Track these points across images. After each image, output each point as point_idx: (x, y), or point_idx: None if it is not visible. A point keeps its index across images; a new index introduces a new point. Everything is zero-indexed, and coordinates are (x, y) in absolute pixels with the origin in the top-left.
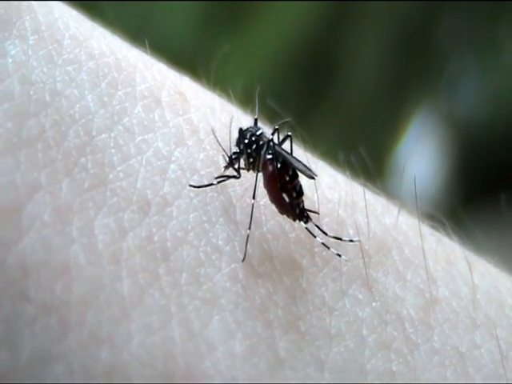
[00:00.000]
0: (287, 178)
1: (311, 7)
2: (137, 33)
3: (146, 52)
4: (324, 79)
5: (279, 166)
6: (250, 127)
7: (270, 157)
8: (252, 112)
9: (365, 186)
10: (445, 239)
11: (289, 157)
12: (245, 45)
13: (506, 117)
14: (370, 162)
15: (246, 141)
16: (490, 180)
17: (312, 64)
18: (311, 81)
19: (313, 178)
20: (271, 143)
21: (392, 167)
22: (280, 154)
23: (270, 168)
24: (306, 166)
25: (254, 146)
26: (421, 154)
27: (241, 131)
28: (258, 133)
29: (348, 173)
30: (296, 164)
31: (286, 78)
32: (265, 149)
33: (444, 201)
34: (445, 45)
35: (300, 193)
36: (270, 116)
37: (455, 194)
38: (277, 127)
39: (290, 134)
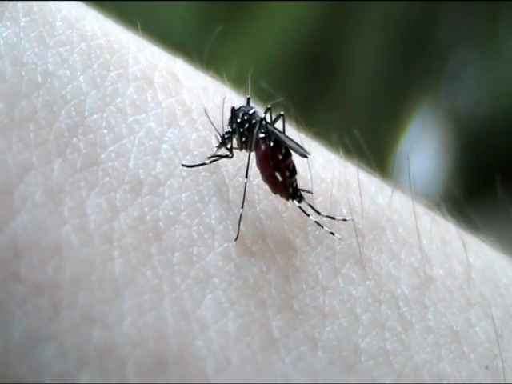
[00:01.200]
0: (280, 157)
1: (310, 4)
2: (132, 24)
3: (140, 36)
4: (324, 76)
5: (272, 144)
6: (243, 106)
7: (262, 136)
8: (245, 93)
9: (358, 166)
10: (439, 219)
11: (281, 135)
12: (243, 42)
13: (506, 111)
14: (366, 150)
15: (239, 120)
16: (491, 174)
17: (311, 61)
18: (310, 77)
19: (305, 157)
20: (263, 122)
21: (393, 160)
22: (273, 132)
23: (263, 147)
24: (298, 144)
25: (247, 125)
26: (422, 148)
27: (233, 110)
28: (250, 112)
29: (342, 153)
30: (289, 143)
31: (285, 75)
32: (257, 128)
33: (443, 192)
34: (445, 40)
35: (293, 172)
36: (264, 98)
37: (456, 188)
38: (269, 106)
39: (282, 113)
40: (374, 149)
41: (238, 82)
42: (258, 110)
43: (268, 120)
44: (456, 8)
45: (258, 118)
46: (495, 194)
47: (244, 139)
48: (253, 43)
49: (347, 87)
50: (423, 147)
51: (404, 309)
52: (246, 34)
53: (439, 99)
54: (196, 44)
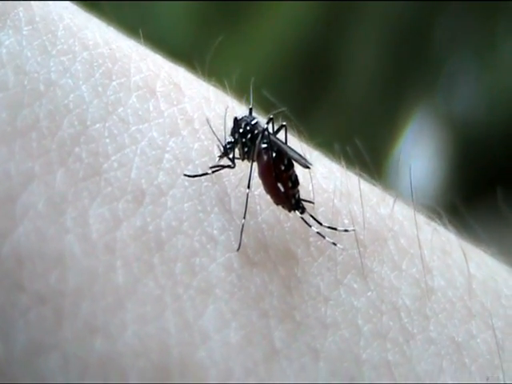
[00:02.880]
0: (282, 168)
1: (308, 6)
2: (132, 29)
3: (141, 43)
4: (321, 79)
5: (274, 155)
6: (245, 116)
7: (264, 146)
8: (247, 102)
9: (360, 176)
10: (440, 229)
11: (284, 146)
12: (241, 44)
13: (503, 115)
14: (367, 158)
15: (241, 130)
16: (488, 178)
17: (308, 64)
18: (308, 81)
19: (308, 168)
20: (266, 132)
21: (390, 165)
22: (275, 143)
23: (265, 157)
24: (300, 155)
25: (249, 136)
26: (419, 153)
27: (235, 120)
28: (252, 122)
29: (343, 163)
30: (291, 153)
31: (283, 77)
32: (260, 138)
33: (442, 199)
34: (442, 44)
35: (295, 183)
36: (266, 107)
37: (453, 193)
38: (271, 116)
39: (284, 123)
40: (371, 153)
41: (238, 89)
42: (261, 119)
43: (270, 130)
44: (453, 12)
45: (260, 129)
46: (492, 199)
47: (246, 149)
48: (251, 47)
49: (345, 91)
50: (420, 151)
51: (405, 320)
52: (243, 38)
53: (436, 103)
54: (194, 47)
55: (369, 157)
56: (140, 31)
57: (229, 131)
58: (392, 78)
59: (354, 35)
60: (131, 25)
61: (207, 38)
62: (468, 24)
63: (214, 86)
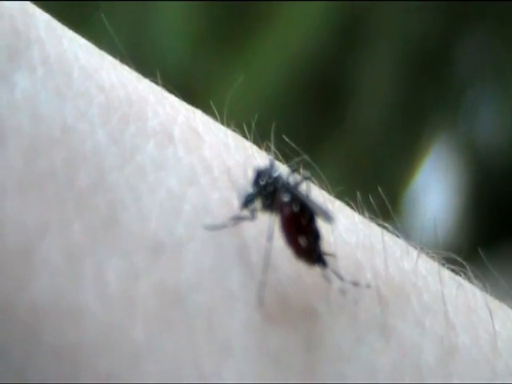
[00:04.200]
0: (304, 222)
1: (318, 32)
2: (132, 49)
3: (142, 73)
4: (333, 104)
5: (296, 209)
6: (266, 167)
7: (287, 199)
8: (266, 146)
9: (383, 227)
10: (465, 283)
11: (307, 200)
12: (247, 66)
13: None
14: (386, 198)
15: (262, 182)
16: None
17: (318, 88)
18: (321, 108)
19: (331, 223)
20: (288, 185)
21: (409, 202)
22: (297, 197)
23: (287, 211)
24: (324, 209)
25: (271, 188)
26: (438, 185)
27: (257, 172)
28: (275, 174)
29: (366, 213)
30: (314, 207)
31: (294, 105)
32: (282, 191)
33: (463, 235)
34: (465, 67)
35: (317, 237)
36: (284, 150)
37: (475, 228)
38: (294, 168)
39: (307, 176)
40: (388, 185)
41: (244, 108)
42: (282, 170)
43: (292, 182)
44: (477, 34)
45: (282, 181)
46: None
47: (268, 202)
48: (256, 69)
49: (359, 118)
50: (439, 183)
51: (428, 380)
52: (247, 61)
53: (457, 132)
54: (193, 62)
55: (386, 190)
56: (158, 74)
57: (249, 181)
58: (410, 106)
59: (369, 60)
60: (127, 43)
61: (206, 59)
62: (492, 47)
63: (231, 126)
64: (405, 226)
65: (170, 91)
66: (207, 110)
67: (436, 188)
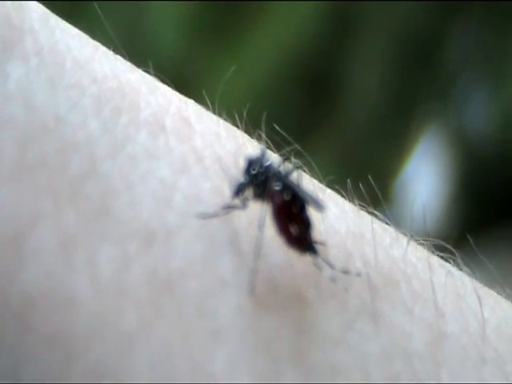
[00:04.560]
0: (295, 211)
1: (310, 23)
2: (127, 45)
3: (135, 63)
4: (324, 95)
5: (288, 197)
6: (258, 156)
7: (278, 188)
8: (257, 136)
9: (373, 215)
10: (454, 271)
11: (298, 188)
12: (240, 57)
13: None
14: (376, 186)
15: (254, 171)
16: (501, 203)
17: (310, 80)
18: (312, 98)
19: (322, 212)
20: (279, 174)
21: (398, 190)
22: (289, 185)
23: (278, 200)
24: (314, 198)
25: (262, 177)
26: (428, 173)
27: (248, 161)
28: (266, 163)
29: (356, 202)
30: (305, 196)
31: (282, 94)
32: (273, 180)
33: (453, 223)
34: (454, 59)
35: (308, 226)
36: (275, 139)
37: (465, 216)
38: (285, 157)
39: (298, 165)
40: (377, 174)
41: (236, 99)
42: (274, 159)
43: (284, 171)
44: (466, 26)
45: (273, 170)
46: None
47: (259, 191)
48: (250, 57)
49: (349, 108)
50: (429, 173)
51: (417, 366)
52: (240, 52)
53: (447, 121)
54: (187, 58)
55: (377, 178)
56: (150, 65)
57: (241, 170)
58: (400, 95)
59: (360, 51)
60: (124, 37)
61: (201, 53)
62: (482, 38)
63: (220, 114)
64: (394, 214)
65: (163, 81)
66: (199, 100)
67: (425, 176)
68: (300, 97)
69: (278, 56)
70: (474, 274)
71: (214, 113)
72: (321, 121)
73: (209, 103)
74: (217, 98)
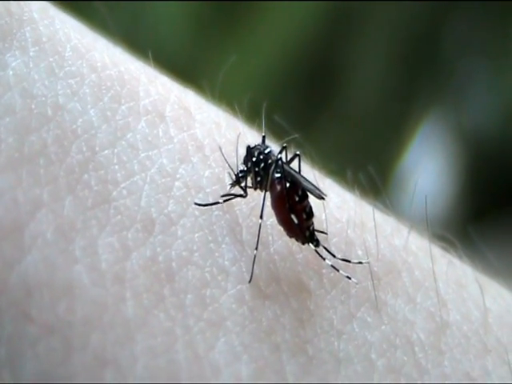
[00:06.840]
0: (296, 199)
1: (311, 13)
2: (130, 38)
3: (137, 57)
4: (325, 87)
5: (288, 185)
6: (258, 145)
7: (278, 176)
8: (257, 126)
9: (374, 205)
10: (456, 261)
11: (298, 176)
12: (242, 52)
13: None
14: (376, 176)
15: (254, 159)
16: (501, 194)
17: (311, 72)
18: (313, 89)
19: (322, 199)
20: (280, 162)
21: (398, 180)
22: (289, 173)
23: (279, 188)
24: (315, 185)
25: (262, 165)
26: (428, 166)
27: (248, 149)
28: (266, 151)
29: (357, 192)
30: (305, 184)
31: (284, 85)
32: (273, 167)
33: (453, 216)
34: (453, 50)
35: (310, 214)
36: (275, 129)
37: (465, 209)
38: (285, 145)
39: (298, 153)
40: (377, 165)
41: (238, 92)
42: (274, 148)
43: (284, 159)
44: (465, 18)
45: (273, 158)
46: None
47: (259, 179)
48: (252, 51)
49: (350, 100)
50: (428, 164)
51: (420, 355)
52: (243, 45)
53: (446, 113)
54: (192, 53)
55: (376, 170)
56: (150, 55)
57: (241, 159)
58: (400, 86)
59: (360, 41)
60: (127, 31)
61: (205, 47)
62: (481, 30)
63: (219, 104)
64: (395, 203)
65: (163, 72)
66: (200, 90)
67: (426, 166)
68: (301, 87)
69: (280, 48)
70: (474, 263)
71: (215, 102)
72: (321, 111)
73: (209, 93)
74: (217, 88)
